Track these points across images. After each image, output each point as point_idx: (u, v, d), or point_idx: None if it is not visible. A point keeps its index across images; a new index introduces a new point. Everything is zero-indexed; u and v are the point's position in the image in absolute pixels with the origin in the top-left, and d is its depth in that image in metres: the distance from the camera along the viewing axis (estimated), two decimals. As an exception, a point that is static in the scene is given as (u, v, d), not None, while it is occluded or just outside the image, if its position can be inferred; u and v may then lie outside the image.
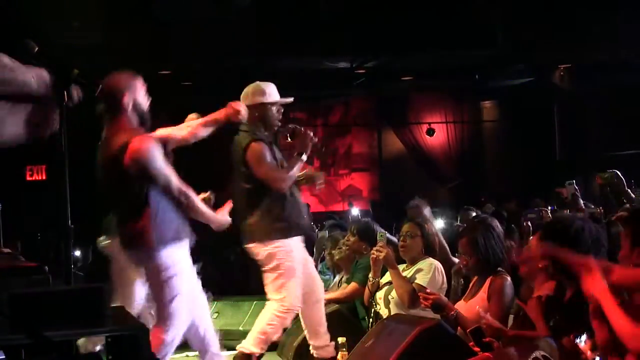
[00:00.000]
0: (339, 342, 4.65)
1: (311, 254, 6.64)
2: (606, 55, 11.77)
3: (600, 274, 2.79)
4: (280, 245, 4.89)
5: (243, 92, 5.12)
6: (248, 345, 4.88)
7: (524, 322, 3.67)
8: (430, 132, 15.42)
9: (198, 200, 4.31)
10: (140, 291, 4.99)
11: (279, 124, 5.21)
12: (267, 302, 4.98)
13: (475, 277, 4.47)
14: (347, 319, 5.52)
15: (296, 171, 5.12)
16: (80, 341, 4.23)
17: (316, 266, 6.58)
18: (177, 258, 4.17)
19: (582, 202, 7.18)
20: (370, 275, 5.14)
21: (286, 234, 4.93)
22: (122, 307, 3.51)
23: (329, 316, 5.28)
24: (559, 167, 13.96)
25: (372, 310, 5.09)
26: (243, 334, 6.14)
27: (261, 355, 4.96)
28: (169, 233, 4.13)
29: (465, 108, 16.14)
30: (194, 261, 4.34)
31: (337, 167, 16.32)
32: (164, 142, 4.22)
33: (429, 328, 3.99)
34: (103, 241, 5.34)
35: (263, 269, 4.95)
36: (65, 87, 3.02)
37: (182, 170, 4.23)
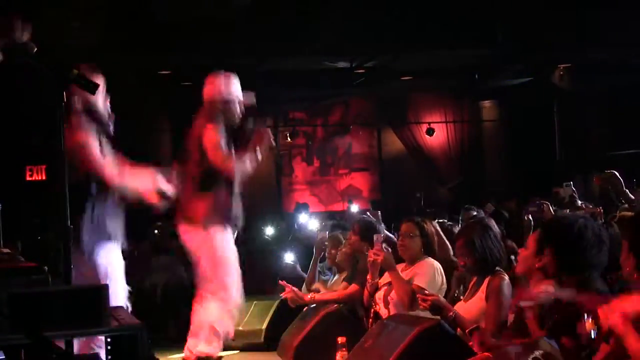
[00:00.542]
0: (339, 342, 4.64)
1: (311, 254, 6.66)
2: (606, 55, 11.77)
3: (616, 306, 2.75)
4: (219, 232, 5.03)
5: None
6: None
7: (522, 324, 3.66)
8: (430, 131, 15.42)
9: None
10: None
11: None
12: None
13: (474, 278, 4.47)
14: (347, 319, 5.51)
15: (246, 163, 5.16)
16: None
17: (316, 266, 6.58)
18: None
19: (579, 202, 7.18)
20: (368, 277, 5.13)
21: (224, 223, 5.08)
22: (122, 307, 3.51)
23: (329, 316, 5.28)
24: (559, 167, 13.96)
25: (372, 310, 5.08)
26: (243, 334, 6.17)
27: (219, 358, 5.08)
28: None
29: (465, 108, 16.14)
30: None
31: (337, 167, 16.32)
32: None
33: (428, 328, 3.99)
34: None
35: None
36: (65, 88, 3.02)
37: None
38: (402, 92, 15.28)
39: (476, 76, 13.37)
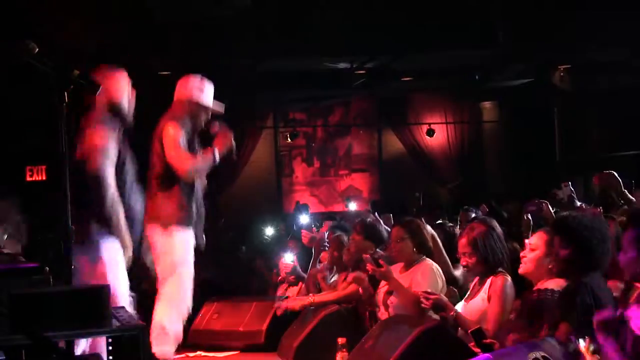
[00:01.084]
0: (339, 342, 4.64)
1: (311, 254, 6.65)
2: (606, 55, 11.76)
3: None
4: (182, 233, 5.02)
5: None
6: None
7: (527, 318, 3.66)
8: (430, 132, 15.41)
9: None
10: None
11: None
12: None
13: (476, 278, 4.46)
14: (347, 319, 5.51)
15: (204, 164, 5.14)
16: None
17: (315, 266, 6.57)
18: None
19: (578, 202, 7.16)
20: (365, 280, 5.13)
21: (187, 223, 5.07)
22: (123, 307, 3.51)
23: (329, 316, 5.28)
24: (559, 167, 13.95)
25: (372, 311, 5.08)
26: (243, 334, 6.17)
27: None
28: None
29: (465, 108, 16.13)
30: (196, 263, 4.37)
31: (337, 168, 16.32)
32: None
33: (429, 329, 3.99)
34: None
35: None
36: (65, 88, 3.02)
37: None
38: (403, 93, 15.27)
39: (476, 77, 13.36)
